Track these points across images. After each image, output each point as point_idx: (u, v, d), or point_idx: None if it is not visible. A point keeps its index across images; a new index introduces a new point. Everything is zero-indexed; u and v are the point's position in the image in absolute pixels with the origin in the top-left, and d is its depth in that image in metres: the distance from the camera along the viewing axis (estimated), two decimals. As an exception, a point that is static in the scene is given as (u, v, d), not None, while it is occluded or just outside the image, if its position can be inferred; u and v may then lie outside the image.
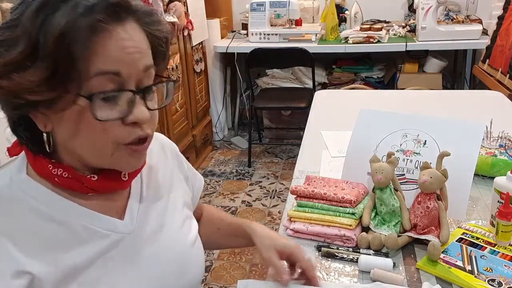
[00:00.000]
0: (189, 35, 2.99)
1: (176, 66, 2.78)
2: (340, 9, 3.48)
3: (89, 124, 0.60)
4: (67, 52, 0.56)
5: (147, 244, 0.72)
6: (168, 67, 2.64)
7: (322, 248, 0.96)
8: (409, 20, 3.48)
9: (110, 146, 0.63)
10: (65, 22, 0.56)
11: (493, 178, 1.04)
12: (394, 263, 0.91)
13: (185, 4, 2.88)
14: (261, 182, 3.07)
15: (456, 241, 0.98)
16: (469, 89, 3.26)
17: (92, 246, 0.66)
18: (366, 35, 3.13)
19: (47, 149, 0.64)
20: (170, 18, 2.57)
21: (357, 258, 0.93)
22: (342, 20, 3.49)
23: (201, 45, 3.26)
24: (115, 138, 0.62)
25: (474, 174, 1.05)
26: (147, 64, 0.63)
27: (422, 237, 0.95)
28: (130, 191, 0.74)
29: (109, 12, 0.58)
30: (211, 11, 3.43)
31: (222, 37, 3.52)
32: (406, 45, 3.03)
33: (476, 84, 3.16)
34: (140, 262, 0.71)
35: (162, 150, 0.85)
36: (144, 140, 0.65)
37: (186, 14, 2.90)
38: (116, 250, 0.69)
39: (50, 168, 0.65)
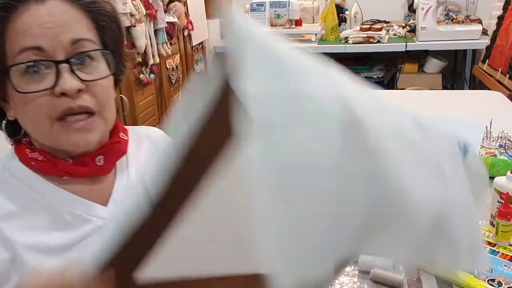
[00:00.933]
0: (189, 35, 2.99)
1: (176, 66, 2.78)
2: (340, 9, 3.48)
3: (20, 100, 0.63)
4: None
5: None
6: (168, 66, 2.64)
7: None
8: (409, 20, 3.48)
9: (45, 122, 0.63)
10: None
11: (493, 178, 1.05)
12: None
13: (185, 4, 2.88)
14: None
15: (456, 241, 0.98)
16: (469, 89, 3.26)
17: (75, 230, 0.68)
18: (366, 35, 3.13)
19: (12, 137, 0.69)
20: (170, 18, 2.58)
21: (357, 258, 0.93)
22: (342, 20, 3.49)
23: (201, 45, 3.27)
24: (46, 111, 0.62)
25: (474, 174, 1.05)
26: (74, 37, 0.63)
27: (422, 237, 0.95)
28: (116, 177, 0.74)
29: None
30: (211, 11, 3.43)
31: (222, 37, 3.52)
32: (406, 45, 3.03)
33: (476, 84, 3.16)
34: None
35: (151, 142, 0.84)
36: (81, 114, 0.64)
37: (186, 14, 2.90)
38: (98, 236, 0.69)
39: (28, 153, 0.68)
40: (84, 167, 0.69)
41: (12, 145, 0.72)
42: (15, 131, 0.70)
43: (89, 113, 0.65)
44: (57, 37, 0.62)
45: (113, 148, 0.72)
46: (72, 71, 0.63)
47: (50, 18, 0.62)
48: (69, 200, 0.69)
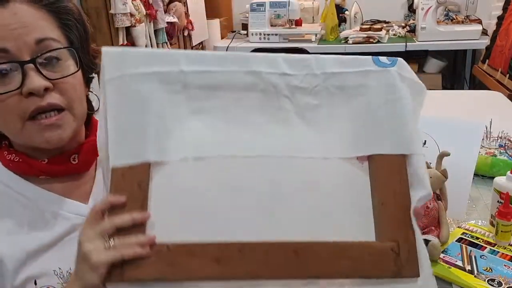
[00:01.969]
0: (189, 35, 2.99)
1: (176, 66, 2.78)
2: (340, 9, 3.48)
3: None
4: None
5: None
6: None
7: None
8: (409, 20, 3.48)
9: (17, 121, 0.65)
10: None
11: (493, 178, 1.05)
12: (394, 263, 0.91)
13: (185, 4, 2.88)
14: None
15: (455, 241, 0.98)
16: (469, 89, 3.26)
17: (56, 228, 0.70)
18: (366, 35, 3.13)
19: None
20: (170, 18, 2.58)
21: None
22: (342, 20, 3.49)
23: (201, 45, 3.27)
24: (17, 112, 0.64)
25: (474, 174, 1.05)
26: (38, 37, 0.64)
27: (422, 237, 0.94)
28: (96, 174, 0.76)
29: None
30: (211, 11, 3.44)
31: (222, 37, 3.52)
32: (406, 45, 3.03)
33: (476, 84, 3.16)
34: None
35: None
36: (50, 111, 0.65)
37: (186, 14, 2.90)
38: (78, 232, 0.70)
39: (5, 155, 0.71)
40: (59, 165, 0.71)
41: None
42: None
43: (59, 109, 0.66)
44: (21, 38, 0.63)
45: (87, 147, 0.73)
46: (38, 71, 0.64)
47: (14, 20, 0.63)
48: (49, 198, 0.71)
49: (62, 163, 0.71)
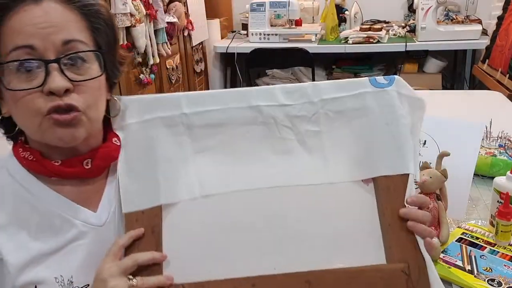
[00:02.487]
0: (189, 35, 2.99)
1: (176, 66, 2.78)
2: (340, 9, 3.48)
3: (11, 97, 0.65)
4: None
5: None
6: (168, 67, 2.64)
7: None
8: (409, 20, 3.48)
9: (34, 117, 0.65)
10: None
11: (492, 178, 1.05)
12: (394, 263, 0.91)
13: (185, 4, 2.88)
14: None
15: (455, 241, 0.98)
16: (469, 89, 3.26)
17: (62, 234, 0.69)
18: (366, 35, 3.13)
19: (6, 133, 0.72)
20: (170, 18, 2.58)
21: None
22: (342, 20, 3.49)
23: (201, 46, 3.27)
24: (36, 108, 0.64)
25: (474, 174, 1.05)
26: (66, 38, 0.65)
27: (422, 237, 0.95)
28: (107, 182, 0.75)
29: None
30: (211, 11, 3.43)
31: (222, 37, 3.52)
32: (406, 45, 3.04)
33: (476, 84, 3.16)
34: None
35: None
36: (67, 111, 0.65)
37: (186, 14, 2.90)
38: (85, 240, 0.70)
39: (20, 151, 0.71)
40: (71, 168, 0.70)
41: (10, 143, 0.74)
42: (11, 127, 0.71)
43: (75, 110, 0.66)
44: (49, 37, 0.64)
45: (101, 153, 0.73)
46: (61, 71, 0.64)
47: (44, 19, 0.64)
48: (59, 203, 0.70)
49: (75, 166, 0.71)
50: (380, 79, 0.74)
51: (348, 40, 3.16)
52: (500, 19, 2.67)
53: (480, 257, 0.92)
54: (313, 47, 3.15)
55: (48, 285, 0.66)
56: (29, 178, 0.71)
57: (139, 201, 0.67)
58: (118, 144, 0.74)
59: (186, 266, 0.65)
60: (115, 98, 0.74)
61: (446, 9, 3.27)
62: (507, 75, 2.34)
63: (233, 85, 3.78)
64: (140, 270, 0.63)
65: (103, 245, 0.69)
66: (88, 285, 0.67)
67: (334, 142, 0.73)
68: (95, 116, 0.70)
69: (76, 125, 0.66)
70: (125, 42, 2.12)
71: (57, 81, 0.63)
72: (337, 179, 0.71)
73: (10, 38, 0.63)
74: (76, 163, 0.71)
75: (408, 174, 0.69)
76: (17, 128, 0.70)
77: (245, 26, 3.48)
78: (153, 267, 0.64)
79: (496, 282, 0.85)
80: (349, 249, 0.67)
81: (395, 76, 0.75)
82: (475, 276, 0.87)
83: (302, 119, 0.73)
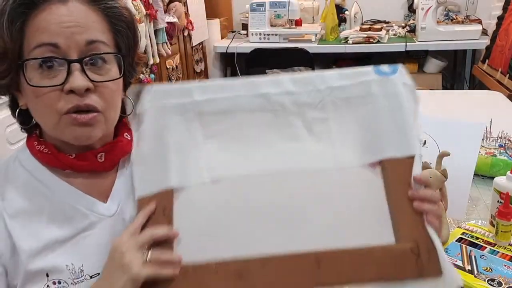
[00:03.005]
0: (189, 35, 2.99)
1: (176, 66, 2.78)
2: (340, 9, 3.48)
3: (31, 93, 0.67)
4: (10, 26, 0.64)
5: None
6: (168, 67, 2.64)
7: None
8: (409, 20, 3.48)
9: (53, 115, 0.67)
10: (5, 1, 0.65)
11: (492, 178, 1.05)
12: (394, 263, 0.91)
13: (185, 4, 2.88)
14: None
15: (455, 241, 0.98)
16: (469, 89, 3.26)
17: (74, 223, 0.71)
18: (366, 35, 3.13)
19: (22, 125, 0.74)
20: (170, 18, 2.58)
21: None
22: (342, 20, 3.49)
23: (201, 45, 3.27)
24: (55, 106, 0.66)
25: (474, 174, 1.05)
26: (90, 38, 0.67)
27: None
28: (117, 175, 0.77)
29: None
30: (211, 11, 3.43)
31: (222, 37, 3.52)
32: (406, 45, 3.04)
33: (476, 84, 3.16)
34: None
35: None
36: (86, 111, 0.67)
37: (186, 14, 2.90)
38: (95, 230, 0.72)
39: (35, 145, 0.72)
40: (85, 162, 0.72)
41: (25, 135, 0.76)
42: (27, 120, 0.73)
43: (94, 111, 0.68)
44: (73, 37, 0.65)
45: (115, 147, 0.75)
46: (83, 71, 0.66)
47: (69, 18, 0.66)
48: (71, 194, 0.72)
49: (89, 159, 0.72)
50: (384, 67, 0.76)
51: (348, 40, 3.16)
52: (500, 19, 2.67)
53: (480, 257, 0.93)
54: (313, 47, 3.15)
55: (59, 273, 0.68)
56: (41, 170, 0.72)
57: (150, 185, 0.70)
58: (129, 138, 0.77)
59: (196, 247, 0.67)
60: (129, 98, 0.76)
61: (446, 9, 3.27)
62: (507, 75, 2.34)
63: (233, 85, 3.77)
64: (153, 247, 0.65)
65: (113, 235, 0.71)
66: (99, 273, 0.68)
67: (340, 128, 0.74)
68: (113, 118, 0.72)
69: (93, 125, 0.68)
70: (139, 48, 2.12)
71: (79, 80, 0.65)
72: (343, 163, 0.72)
73: (35, 35, 0.65)
74: (90, 156, 0.73)
75: (413, 156, 0.71)
76: (33, 121, 0.73)
77: (245, 26, 3.48)
78: (164, 245, 0.66)
79: (496, 282, 0.85)
80: (358, 230, 0.68)
81: (398, 65, 0.77)
82: (475, 276, 0.87)
83: (309, 106, 0.75)
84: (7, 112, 0.78)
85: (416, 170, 0.70)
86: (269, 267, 0.65)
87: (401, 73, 0.76)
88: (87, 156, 0.72)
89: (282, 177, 0.71)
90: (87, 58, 0.66)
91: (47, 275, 0.67)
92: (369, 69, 0.76)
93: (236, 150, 0.73)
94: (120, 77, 0.71)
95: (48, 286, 0.67)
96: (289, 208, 0.69)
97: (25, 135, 0.76)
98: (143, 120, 0.74)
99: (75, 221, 0.71)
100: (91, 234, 0.71)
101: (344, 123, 0.74)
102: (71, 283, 0.68)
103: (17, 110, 0.72)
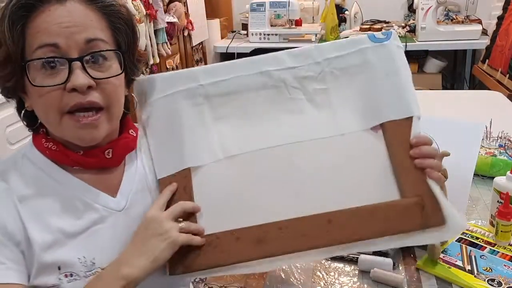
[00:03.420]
0: (189, 35, 2.99)
1: (176, 66, 2.78)
2: (340, 9, 3.48)
3: (35, 93, 0.68)
4: (12, 29, 0.66)
5: (137, 223, 0.74)
6: (168, 66, 2.64)
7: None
8: (409, 20, 3.48)
9: (56, 114, 0.68)
10: (5, 5, 0.67)
11: (492, 178, 1.05)
12: (394, 263, 0.91)
13: (185, 4, 2.88)
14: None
15: (456, 241, 0.98)
16: (469, 89, 3.26)
17: (85, 217, 0.72)
18: (366, 35, 3.13)
19: (27, 125, 0.75)
20: (170, 18, 2.57)
21: (357, 258, 0.94)
22: (342, 20, 3.49)
23: (201, 45, 3.26)
24: (58, 104, 0.67)
25: (474, 174, 1.05)
26: (89, 37, 0.68)
27: (422, 237, 0.95)
28: (125, 170, 0.79)
29: None
30: (211, 11, 3.43)
31: (222, 37, 3.52)
32: (406, 45, 3.03)
33: (476, 84, 3.16)
34: (127, 239, 0.72)
35: None
36: (89, 109, 0.68)
37: (186, 14, 2.90)
38: (105, 224, 0.73)
39: (43, 142, 0.73)
40: (93, 158, 0.74)
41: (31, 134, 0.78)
42: (32, 121, 0.75)
43: (97, 108, 0.69)
44: (72, 36, 0.67)
45: (121, 143, 0.77)
46: (84, 69, 0.67)
47: (68, 18, 0.67)
48: (81, 188, 0.73)
49: (97, 156, 0.74)
50: (379, 34, 0.80)
51: (348, 40, 3.15)
52: (500, 19, 2.67)
53: (480, 257, 0.93)
54: (313, 47, 3.14)
55: (72, 266, 0.69)
56: (50, 165, 0.74)
57: (169, 167, 0.76)
58: (135, 135, 0.80)
59: (217, 219, 0.73)
60: (133, 95, 0.78)
61: (446, 9, 3.27)
62: (507, 75, 2.34)
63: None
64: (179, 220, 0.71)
65: (122, 229, 0.73)
66: None
67: (341, 97, 0.78)
68: (117, 114, 0.74)
69: (97, 126, 0.70)
70: (138, 44, 2.12)
71: (80, 78, 0.66)
72: (347, 130, 0.76)
73: (36, 36, 0.66)
74: (98, 153, 0.74)
75: (412, 117, 0.74)
76: (39, 121, 0.74)
77: (245, 26, 3.48)
78: (189, 218, 0.72)
79: (496, 282, 0.85)
80: (364, 190, 0.72)
81: (392, 31, 0.81)
82: (475, 276, 0.87)
83: (309, 79, 0.79)
84: (7, 112, 0.79)
85: (416, 130, 0.73)
86: (285, 230, 0.70)
87: (395, 37, 0.79)
88: (95, 153, 0.73)
89: (290, 148, 0.76)
90: (88, 56, 0.68)
91: (59, 268, 0.69)
92: (364, 37, 0.80)
93: (245, 127, 0.78)
94: (121, 73, 0.72)
95: (60, 279, 0.68)
96: (299, 176, 0.74)
97: (25, 135, 0.77)
98: (152, 109, 0.78)
99: (86, 215, 0.72)
100: (102, 228, 0.73)
101: (344, 91, 0.78)
102: (83, 276, 0.69)
103: (23, 112, 0.74)
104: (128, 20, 0.74)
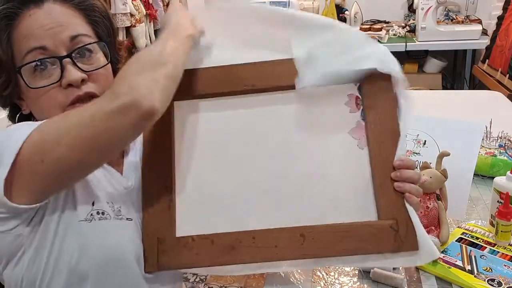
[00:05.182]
0: (189, 35, 2.98)
1: (176, 66, 2.78)
2: (340, 9, 3.48)
3: (33, 95, 0.71)
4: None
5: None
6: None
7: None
8: (409, 20, 3.47)
9: (57, 111, 0.70)
10: None
11: (492, 178, 1.05)
12: (394, 263, 0.91)
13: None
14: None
15: (455, 241, 0.98)
16: (469, 89, 3.26)
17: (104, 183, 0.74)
18: (366, 35, 3.13)
19: None
20: (170, 18, 2.57)
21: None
22: (342, 20, 3.48)
23: (201, 45, 3.26)
24: (58, 102, 0.70)
25: (474, 174, 1.05)
26: (72, 34, 0.72)
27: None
28: (128, 154, 0.81)
29: (23, 1, 0.70)
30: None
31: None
32: (406, 45, 3.03)
33: (476, 84, 3.16)
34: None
35: None
36: (88, 99, 0.71)
37: (186, 14, 2.90)
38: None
39: None
40: None
41: None
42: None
43: (94, 98, 0.71)
44: (57, 36, 0.70)
45: None
46: (75, 64, 0.71)
47: (49, 20, 0.70)
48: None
49: None
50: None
51: (348, 40, 3.15)
52: (500, 19, 2.67)
53: (480, 257, 0.93)
54: (313, 47, 3.14)
55: (102, 204, 0.72)
56: None
57: None
58: None
59: (195, 220, 0.75)
60: None
61: (446, 9, 3.27)
62: (507, 75, 2.34)
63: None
64: None
65: (132, 207, 0.75)
66: (131, 219, 0.74)
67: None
68: None
69: None
70: (117, 34, 2.12)
71: (73, 73, 0.70)
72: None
73: (23, 42, 0.70)
74: None
75: (399, 133, 0.73)
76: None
77: (245, 26, 3.48)
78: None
79: (496, 282, 0.85)
80: (342, 207, 0.73)
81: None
82: (475, 276, 0.87)
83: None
84: (7, 111, 0.79)
85: (400, 151, 0.73)
86: (258, 240, 0.72)
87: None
88: None
89: (275, 157, 0.76)
90: (75, 52, 0.71)
91: (93, 204, 0.71)
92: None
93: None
94: (108, 63, 0.76)
95: (92, 214, 0.70)
96: (280, 187, 0.75)
97: None
98: None
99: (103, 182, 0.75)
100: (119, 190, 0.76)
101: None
102: (114, 217, 0.71)
103: (17, 116, 0.76)
104: (104, 12, 0.78)
